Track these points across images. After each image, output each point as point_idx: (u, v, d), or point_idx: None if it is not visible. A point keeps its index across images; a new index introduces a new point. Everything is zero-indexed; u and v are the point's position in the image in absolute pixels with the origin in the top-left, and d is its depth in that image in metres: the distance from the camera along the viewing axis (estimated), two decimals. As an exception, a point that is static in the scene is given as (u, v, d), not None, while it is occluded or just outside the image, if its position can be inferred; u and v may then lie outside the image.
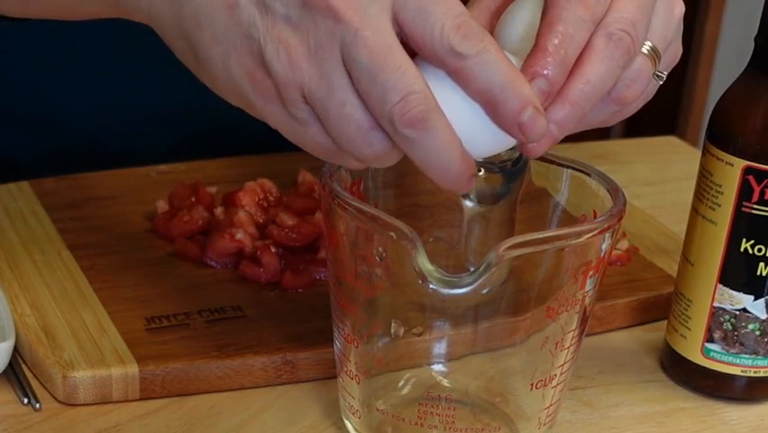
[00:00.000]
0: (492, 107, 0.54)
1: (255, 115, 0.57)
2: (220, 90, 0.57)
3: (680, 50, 0.64)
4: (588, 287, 0.61)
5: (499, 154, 0.63)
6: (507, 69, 0.53)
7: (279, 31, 0.53)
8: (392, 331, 0.65)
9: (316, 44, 0.53)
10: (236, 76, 0.55)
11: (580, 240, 0.60)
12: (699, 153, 0.72)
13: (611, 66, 0.57)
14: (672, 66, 0.63)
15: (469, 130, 0.55)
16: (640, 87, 0.60)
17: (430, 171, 0.55)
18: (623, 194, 0.63)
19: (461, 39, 0.53)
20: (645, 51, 0.59)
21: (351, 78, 0.53)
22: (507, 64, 0.53)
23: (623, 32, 0.57)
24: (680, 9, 0.62)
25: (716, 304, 0.70)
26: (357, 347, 0.63)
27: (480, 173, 0.64)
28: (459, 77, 0.54)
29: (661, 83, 0.62)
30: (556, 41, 0.55)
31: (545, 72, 0.55)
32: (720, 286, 0.70)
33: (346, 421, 0.66)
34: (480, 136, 0.56)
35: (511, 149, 0.64)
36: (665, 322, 0.75)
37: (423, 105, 0.52)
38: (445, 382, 0.66)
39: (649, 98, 0.62)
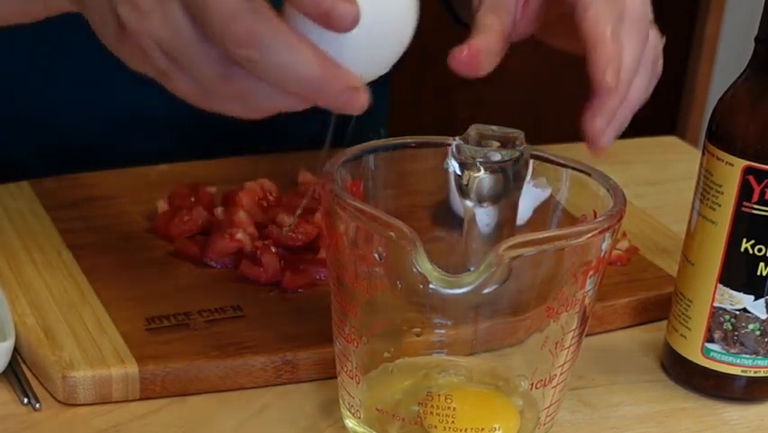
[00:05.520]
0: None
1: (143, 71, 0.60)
2: (118, 56, 0.60)
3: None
4: (588, 287, 0.61)
5: (500, 154, 0.63)
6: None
7: None
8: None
9: None
10: (112, 43, 0.59)
11: (580, 240, 0.60)
12: (699, 153, 0.72)
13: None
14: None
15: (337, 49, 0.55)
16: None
17: (295, 87, 0.55)
18: (623, 194, 0.63)
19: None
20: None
21: (192, 17, 0.55)
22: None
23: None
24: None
25: (716, 304, 0.70)
26: (357, 347, 0.63)
27: (480, 173, 0.64)
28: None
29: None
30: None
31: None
32: (720, 286, 0.70)
33: (346, 421, 0.66)
34: (349, 53, 0.56)
35: (511, 148, 0.64)
36: (665, 322, 0.75)
37: (249, 21, 0.53)
38: (445, 382, 0.66)
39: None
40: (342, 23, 0.54)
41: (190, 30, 0.56)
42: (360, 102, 0.56)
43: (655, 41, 0.70)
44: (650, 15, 0.68)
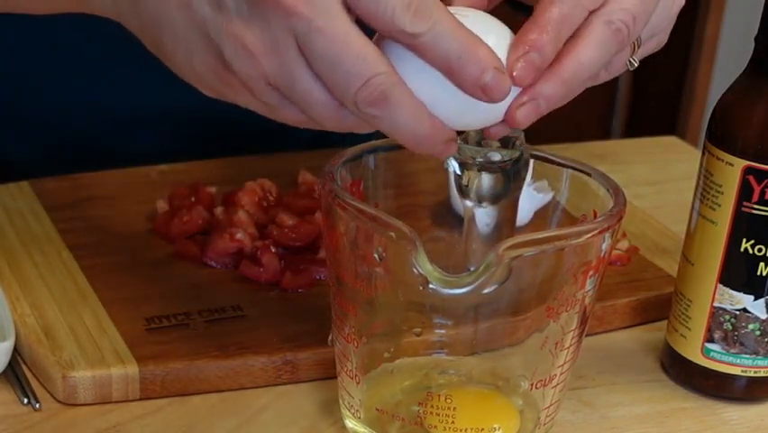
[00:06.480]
0: (453, 75, 0.54)
1: (229, 101, 0.58)
2: (190, 81, 0.58)
3: (663, 42, 0.65)
4: (588, 287, 0.61)
5: (500, 155, 0.63)
6: (461, 37, 0.54)
7: (234, 28, 0.54)
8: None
9: (272, 39, 0.53)
10: (202, 72, 0.56)
11: (580, 240, 0.60)
12: (699, 153, 0.72)
13: (604, 53, 0.58)
14: (650, 53, 0.64)
15: (439, 98, 0.56)
16: (616, 70, 0.61)
17: (401, 141, 0.56)
18: (623, 194, 0.63)
19: (411, 18, 0.53)
20: None
21: (311, 66, 0.54)
22: (460, 32, 0.54)
23: (622, 24, 0.57)
24: (678, 6, 0.63)
25: (716, 304, 0.70)
26: (357, 347, 0.63)
27: (480, 173, 0.64)
28: (417, 52, 0.54)
29: (631, 69, 0.63)
30: (555, 18, 0.56)
31: (541, 46, 0.55)
32: (720, 286, 0.70)
33: (346, 421, 0.66)
34: (452, 104, 0.56)
35: (511, 148, 0.65)
36: (665, 322, 0.75)
37: (383, 85, 0.53)
38: (445, 382, 0.66)
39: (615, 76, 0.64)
40: (492, 96, 0.55)
41: (307, 72, 0.54)
42: (450, 151, 0.57)
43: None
44: None
